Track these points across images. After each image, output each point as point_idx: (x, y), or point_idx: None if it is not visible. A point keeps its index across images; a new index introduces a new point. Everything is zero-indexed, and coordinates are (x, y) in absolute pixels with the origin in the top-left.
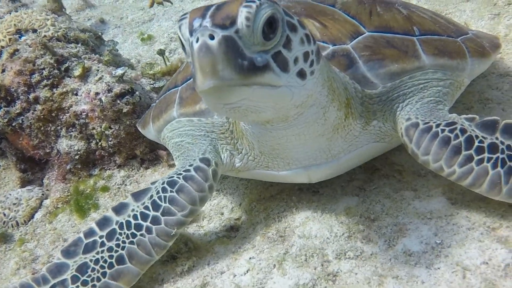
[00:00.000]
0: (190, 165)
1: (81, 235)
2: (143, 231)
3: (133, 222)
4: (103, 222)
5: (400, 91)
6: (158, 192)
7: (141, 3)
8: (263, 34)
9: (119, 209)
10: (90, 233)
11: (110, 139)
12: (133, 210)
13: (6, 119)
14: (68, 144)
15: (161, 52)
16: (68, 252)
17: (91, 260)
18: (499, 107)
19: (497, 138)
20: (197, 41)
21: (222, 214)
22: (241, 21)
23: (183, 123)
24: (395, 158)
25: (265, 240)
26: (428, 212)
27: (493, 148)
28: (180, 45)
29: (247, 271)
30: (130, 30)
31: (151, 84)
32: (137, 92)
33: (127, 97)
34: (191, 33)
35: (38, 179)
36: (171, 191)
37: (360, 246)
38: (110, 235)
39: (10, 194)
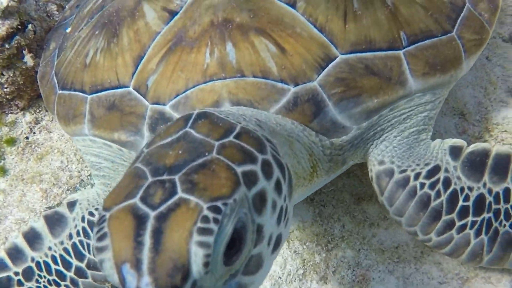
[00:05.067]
0: None
1: (3, 253)
2: (67, 282)
3: (53, 266)
4: (15, 255)
5: (378, 127)
6: (78, 233)
7: None
8: (225, 261)
9: (32, 240)
10: (1, 266)
11: (6, 86)
12: (50, 248)
13: None
14: None
15: None
16: None
17: None
18: None
19: (484, 185)
20: None
21: None
22: (197, 270)
23: (98, 144)
24: None
25: None
26: (395, 248)
27: (479, 205)
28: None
29: None
30: None
31: None
32: (29, 26)
33: (17, 37)
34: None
35: None
36: None
37: None
38: (27, 274)
39: None
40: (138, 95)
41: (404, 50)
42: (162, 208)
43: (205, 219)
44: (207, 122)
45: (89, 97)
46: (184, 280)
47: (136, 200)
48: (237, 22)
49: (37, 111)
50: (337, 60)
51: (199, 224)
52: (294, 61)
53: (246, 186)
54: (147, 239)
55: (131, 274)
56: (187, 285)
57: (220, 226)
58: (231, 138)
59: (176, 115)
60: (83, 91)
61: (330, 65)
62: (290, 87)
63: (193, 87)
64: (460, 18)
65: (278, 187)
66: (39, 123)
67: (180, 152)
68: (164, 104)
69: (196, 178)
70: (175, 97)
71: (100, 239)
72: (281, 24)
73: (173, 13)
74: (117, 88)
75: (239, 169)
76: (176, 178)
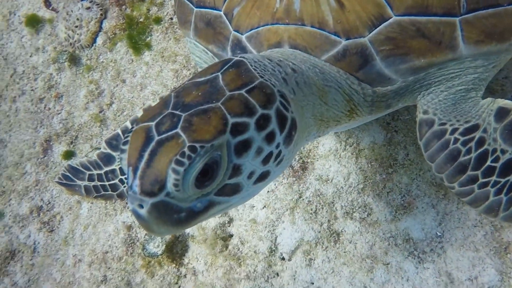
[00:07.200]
0: None
1: (119, 131)
2: None
3: None
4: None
5: (424, 82)
6: None
7: None
8: (197, 184)
9: None
10: (126, 132)
11: None
12: None
13: None
14: None
15: None
16: (111, 144)
17: None
18: None
19: None
20: (130, 202)
21: None
22: (170, 186)
23: (200, 49)
24: None
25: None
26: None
27: (506, 168)
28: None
29: (264, 207)
30: None
31: None
32: None
33: None
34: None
35: None
36: None
37: (368, 205)
38: None
39: (72, 11)
40: (226, 20)
41: (461, 17)
42: (163, 136)
43: (183, 154)
44: (234, 72)
45: (195, 9)
46: (160, 190)
47: (152, 124)
48: None
49: None
50: (390, 20)
51: (177, 157)
52: (349, 17)
53: (232, 134)
54: (146, 155)
55: (130, 173)
56: (162, 194)
57: (191, 162)
58: (242, 91)
59: (248, 45)
60: (192, 3)
61: (382, 25)
62: (342, 40)
63: (263, 25)
64: None
65: (269, 137)
66: None
67: (199, 94)
68: (241, 34)
69: (194, 120)
70: (249, 31)
71: (124, 144)
72: None
73: None
74: (213, 9)
75: (232, 120)
76: (183, 116)
